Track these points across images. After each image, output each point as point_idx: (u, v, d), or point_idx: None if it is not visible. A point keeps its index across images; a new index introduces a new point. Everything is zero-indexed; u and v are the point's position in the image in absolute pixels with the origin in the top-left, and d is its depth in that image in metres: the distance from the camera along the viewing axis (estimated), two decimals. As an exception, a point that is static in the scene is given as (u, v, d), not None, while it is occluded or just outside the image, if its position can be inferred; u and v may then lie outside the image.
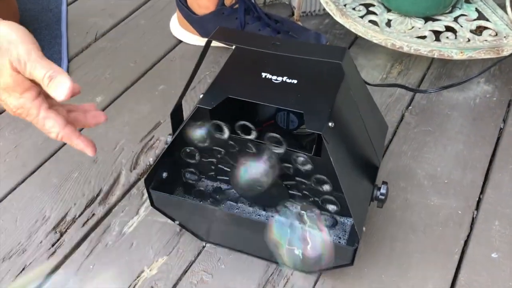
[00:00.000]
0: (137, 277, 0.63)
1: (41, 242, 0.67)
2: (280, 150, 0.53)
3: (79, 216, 0.70)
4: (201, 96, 0.55)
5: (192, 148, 0.58)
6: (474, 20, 0.85)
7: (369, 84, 0.76)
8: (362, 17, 0.86)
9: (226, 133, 0.54)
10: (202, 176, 0.63)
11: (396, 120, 0.83)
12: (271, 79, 0.56)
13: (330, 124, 0.51)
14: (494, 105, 0.85)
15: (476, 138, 0.80)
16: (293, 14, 1.02)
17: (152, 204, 0.61)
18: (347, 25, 0.86)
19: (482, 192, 0.72)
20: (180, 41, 0.99)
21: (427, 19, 0.85)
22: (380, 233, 0.67)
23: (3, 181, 0.74)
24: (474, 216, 0.70)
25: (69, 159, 0.77)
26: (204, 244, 0.67)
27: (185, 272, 0.64)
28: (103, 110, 0.85)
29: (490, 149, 0.78)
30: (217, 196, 0.62)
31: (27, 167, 0.76)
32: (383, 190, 0.58)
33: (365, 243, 0.65)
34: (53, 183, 0.74)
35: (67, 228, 0.69)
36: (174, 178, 0.63)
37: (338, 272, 0.62)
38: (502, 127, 0.82)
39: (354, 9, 0.88)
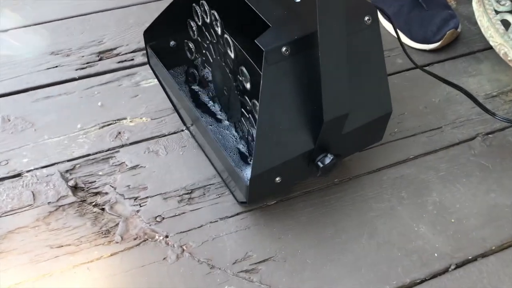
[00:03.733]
0: (119, 120, 0.69)
1: (83, 57, 0.77)
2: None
3: (123, 54, 0.78)
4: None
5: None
6: None
7: (419, 67, 0.64)
8: (498, 12, 0.71)
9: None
10: (197, 55, 0.63)
11: (463, 138, 0.70)
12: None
13: (284, 49, 0.46)
14: None
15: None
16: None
17: (148, 61, 0.64)
18: (476, 14, 0.72)
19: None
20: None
21: None
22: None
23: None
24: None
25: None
26: (184, 129, 0.69)
27: (152, 138, 0.67)
28: None
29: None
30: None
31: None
32: (327, 160, 0.51)
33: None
34: (123, 29, 0.83)
35: (108, 57, 0.77)
36: (181, 55, 0.64)
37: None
38: None
39: (498, 1, 0.73)
